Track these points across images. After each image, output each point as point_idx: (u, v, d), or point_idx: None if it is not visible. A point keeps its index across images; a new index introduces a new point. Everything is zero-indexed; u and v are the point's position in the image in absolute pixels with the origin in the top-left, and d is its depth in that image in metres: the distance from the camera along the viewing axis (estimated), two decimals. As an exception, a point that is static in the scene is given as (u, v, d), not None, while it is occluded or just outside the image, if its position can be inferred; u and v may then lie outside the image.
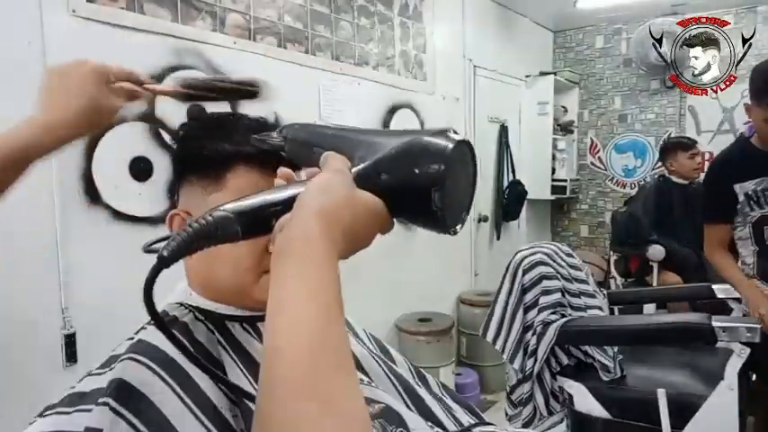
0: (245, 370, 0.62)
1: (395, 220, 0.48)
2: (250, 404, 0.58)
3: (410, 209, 0.48)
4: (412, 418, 0.71)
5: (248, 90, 0.76)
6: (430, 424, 0.75)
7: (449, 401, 0.87)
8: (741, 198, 1.82)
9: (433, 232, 0.48)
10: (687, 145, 3.01)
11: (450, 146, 0.46)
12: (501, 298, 1.78)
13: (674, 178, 3.06)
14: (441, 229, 0.47)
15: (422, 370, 0.91)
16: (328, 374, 0.34)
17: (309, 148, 0.53)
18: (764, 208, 1.79)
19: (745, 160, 1.82)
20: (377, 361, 0.80)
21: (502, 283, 1.80)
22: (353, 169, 0.47)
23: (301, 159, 0.56)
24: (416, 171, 0.45)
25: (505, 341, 1.73)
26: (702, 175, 2.90)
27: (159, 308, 0.68)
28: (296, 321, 0.36)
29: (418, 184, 0.45)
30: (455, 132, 0.48)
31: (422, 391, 0.81)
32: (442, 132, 0.48)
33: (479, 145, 3.63)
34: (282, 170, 0.51)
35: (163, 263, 0.40)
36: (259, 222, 0.45)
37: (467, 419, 0.84)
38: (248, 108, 0.78)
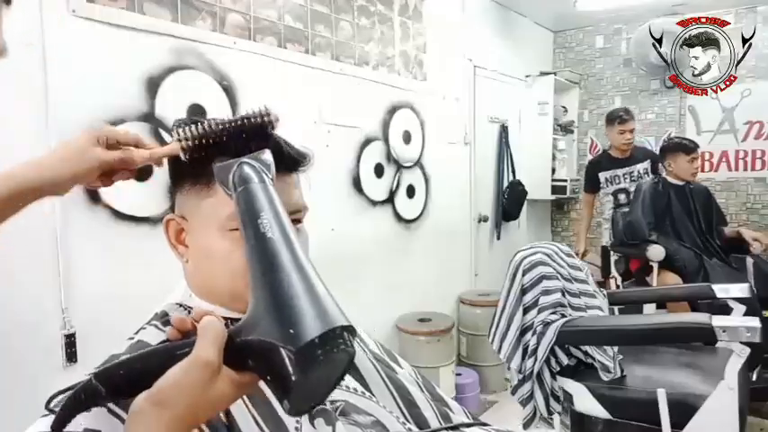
0: None
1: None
2: (246, 403, 0.58)
3: (261, 375, 0.46)
4: (398, 429, 0.72)
5: (257, 122, 0.64)
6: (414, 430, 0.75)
7: (449, 403, 0.87)
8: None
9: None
10: (689, 148, 3.00)
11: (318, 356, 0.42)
12: (502, 299, 1.78)
13: (669, 179, 3.06)
14: (281, 403, 0.46)
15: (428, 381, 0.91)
16: None
17: (244, 219, 0.52)
18: None
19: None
20: (374, 365, 0.80)
21: (504, 283, 1.81)
22: (231, 329, 0.46)
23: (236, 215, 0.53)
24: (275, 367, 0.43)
25: (502, 342, 1.74)
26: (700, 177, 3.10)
27: (159, 307, 0.69)
28: None
29: (276, 380, 0.44)
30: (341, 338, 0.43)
31: (418, 397, 0.82)
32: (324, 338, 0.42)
33: (479, 145, 3.63)
34: (176, 318, 0.50)
35: None
36: (122, 388, 0.46)
37: (462, 420, 0.84)
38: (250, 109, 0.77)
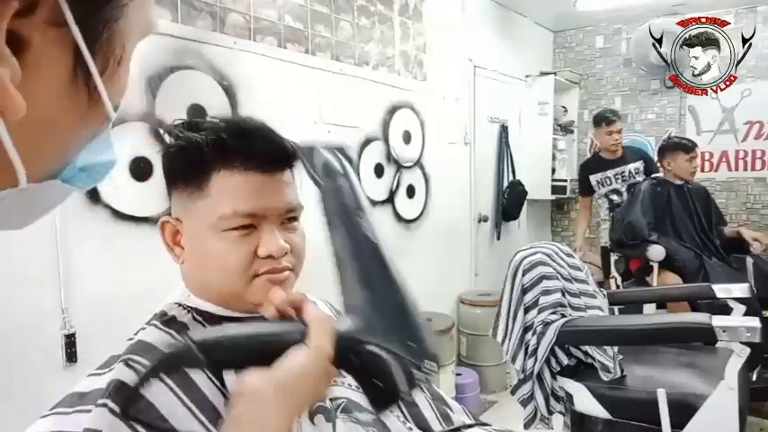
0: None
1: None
2: None
3: (361, 383, 0.50)
4: (398, 428, 0.72)
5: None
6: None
7: (449, 403, 0.87)
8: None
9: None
10: (688, 147, 3.01)
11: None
12: (505, 298, 1.78)
13: (669, 178, 3.06)
14: (373, 403, 0.50)
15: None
16: None
17: (335, 216, 0.54)
18: None
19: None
20: None
21: (504, 282, 1.81)
22: (338, 328, 0.48)
23: (324, 210, 0.55)
24: (382, 383, 0.47)
25: (507, 341, 1.74)
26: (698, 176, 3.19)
27: (159, 307, 0.69)
28: None
29: (384, 388, 0.47)
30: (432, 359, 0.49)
31: (417, 396, 0.82)
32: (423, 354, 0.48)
33: (479, 145, 3.63)
34: (278, 294, 0.51)
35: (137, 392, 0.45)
36: (224, 361, 0.47)
37: (462, 420, 0.84)
38: (250, 109, 0.77)
